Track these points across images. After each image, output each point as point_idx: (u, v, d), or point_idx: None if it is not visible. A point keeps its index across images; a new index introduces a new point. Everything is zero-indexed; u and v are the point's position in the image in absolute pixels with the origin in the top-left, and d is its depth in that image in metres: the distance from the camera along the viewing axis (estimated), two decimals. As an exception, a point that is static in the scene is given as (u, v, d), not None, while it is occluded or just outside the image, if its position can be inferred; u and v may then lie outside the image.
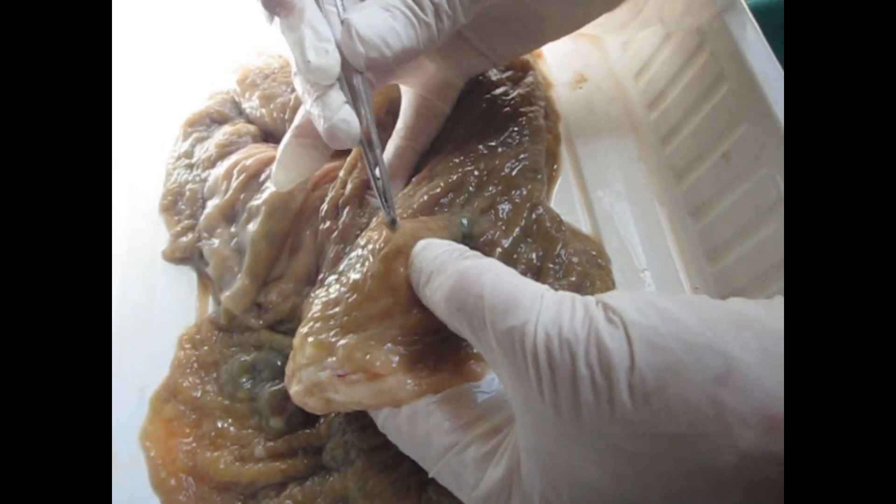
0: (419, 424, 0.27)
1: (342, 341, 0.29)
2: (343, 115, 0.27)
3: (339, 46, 0.27)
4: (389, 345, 0.28)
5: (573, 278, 0.35)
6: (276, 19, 0.28)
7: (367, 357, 0.27)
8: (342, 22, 0.27)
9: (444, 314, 0.26)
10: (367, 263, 0.31)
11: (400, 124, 0.39)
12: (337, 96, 0.27)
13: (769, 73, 0.37)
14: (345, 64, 0.28)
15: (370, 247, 0.31)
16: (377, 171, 0.30)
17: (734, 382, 0.18)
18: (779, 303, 0.21)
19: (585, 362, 0.20)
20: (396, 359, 0.28)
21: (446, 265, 0.26)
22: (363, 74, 0.28)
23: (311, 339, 0.30)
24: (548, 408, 0.21)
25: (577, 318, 0.21)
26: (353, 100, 0.28)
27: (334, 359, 0.28)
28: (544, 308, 0.22)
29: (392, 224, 0.31)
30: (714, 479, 0.18)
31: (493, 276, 0.24)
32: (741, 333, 0.19)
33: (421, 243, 0.29)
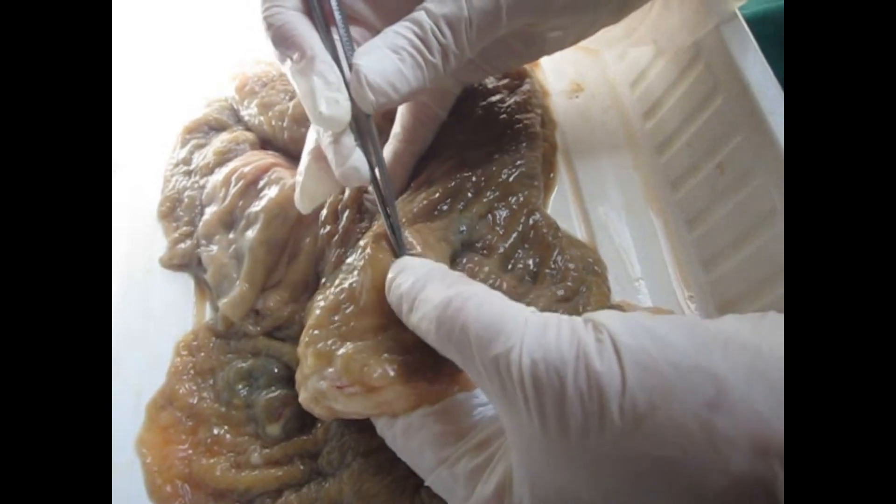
0: (413, 437, 0.28)
1: (340, 351, 0.29)
2: (353, 162, 0.28)
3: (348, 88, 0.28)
4: (386, 355, 0.28)
5: (570, 283, 0.35)
6: (288, 61, 0.28)
7: (365, 369, 0.28)
8: (350, 66, 0.27)
9: (434, 344, 0.26)
10: (361, 272, 0.31)
11: (397, 128, 0.39)
12: (348, 142, 0.28)
13: (764, 85, 0.37)
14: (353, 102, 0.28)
15: (366, 251, 0.32)
16: (388, 209, 0.31)
17: (724, 406, 0.18)
18: (770, 319, 0.21)
19: (574, 385, 0.20)
20: (393, 370, 0.28)
21: (429, 294, 0.26)
22: (371, 116, 0.29)
23: (311, 348, 0.30)
24: (537, 430, 0.21)
25: (563, 339, 0.21)
26: (362, 135, 0.29)
27: (332, 370, 0.28)
28: (528, 332, 0.22)
29: (400, 249, 0.31)
30: (703, 501, 0.19)
31: (475, 303, 0.24)
32: (731, 355, 0.19)
33: (395, 267, 0.29)
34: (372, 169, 0.29)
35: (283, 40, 0.28)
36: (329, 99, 0.27)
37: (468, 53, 0.30)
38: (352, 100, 0.28)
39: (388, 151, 0.39)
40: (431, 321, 0.25)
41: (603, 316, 0.22)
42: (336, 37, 0.29)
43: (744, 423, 0.18)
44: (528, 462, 0.22)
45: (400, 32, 0.28)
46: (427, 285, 0.26)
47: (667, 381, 0.19)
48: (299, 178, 0.32)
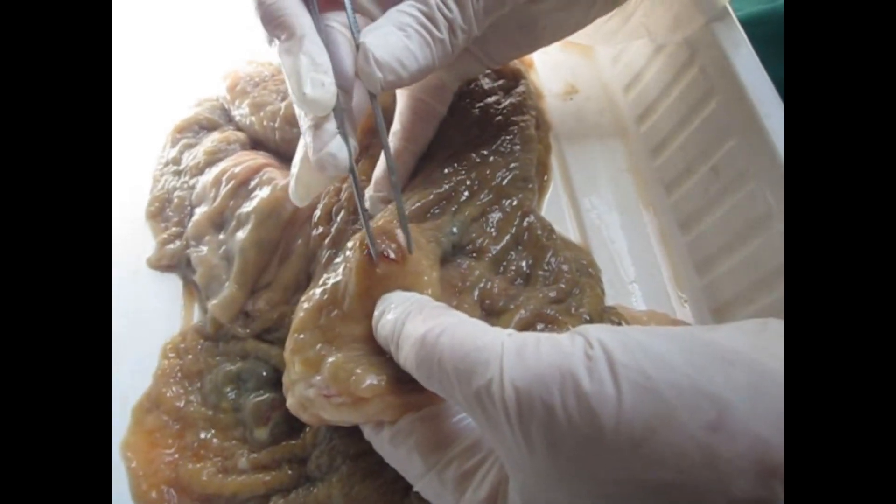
0: (401, 443, 0.27)
1: (329, 359, 0.28)
2: (331, 149, 0.27)
3: (336, 75, 0.27)
4: (375, 365, 0.28)
5: (562, 285, 0.35)
6: (276, 42, 0.28)
7: (353, 379, 0.27)
8: (357, 46, 0.27)
9: (421, 383, 0.25)
10: (345, 276, 0.31)
11: (396, 126, 0.39)
12: (329, 127, 0.27)
13: (759, 88, 0.37)
14: (346, 86, 0.28)
15: (349, 254, 0.31)
16: (367, 201, 0.30)
17: (726, 429, 0.17)
18: (771, 330, 0.20)
19: (563, 411, 0.19)
20: (380, 380, 0.27)
21: (407, 331, 0.25)
22: (377, 97, 0.28)
23: (298, 355, 0.29)
24: (525, 456, 0.20)
25: (543, 361, 0.20)
26: (353, 123, 0.28)
27: (320, 378, 0.28)
28: (506, 359, 0.21)
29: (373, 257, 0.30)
30: None
31: (448, 336, 0.23)
32: (732, 374, 0.18)
33: (379, 304, 0.28)
34: (353, 159, 0.28)
35: (272, 19, 0.27)
36: (315, 80, 0.26)
37: (476, 29, 0.29)
38: (340, 87, 0.27)
39: None
40: (412, 361, 0.25)
41: (595, 330, 0.21)
42: (334, 24, 0.28)
43: (746, 446, 0.17)
44: (521, 479, 0.22)
45: (405, 10, 0.27)
46: (406, 323, 0.26)
47: (666, 404, 0.18)
48: (294, 168, 0.31)
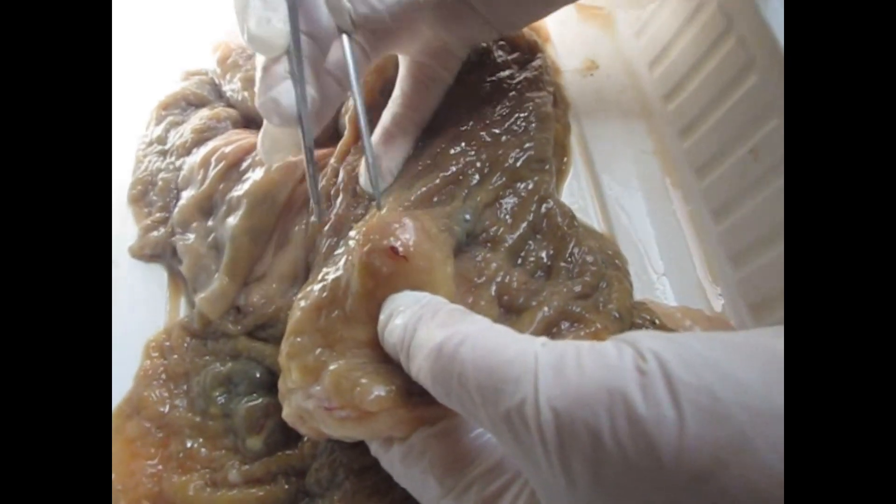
0: (414, 462, 0.25)
1: (330, 366, 0.26)
2: (274, 93, 0.25)
3: (291, 11, 0.25)
4: (380, 371, 0.25)
5: (587, 278, 0.33)
6: None
7: (357, 390, 0.24)
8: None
9: (438, 398, 0.23)
10: (347, 272, 0.28)
11: (396, 92, 0.37)
12: (277, 71, 0.26)
13: (806, 61, 0.34)
14: (316, 33, 0.26)
15: (352, 244, 0.29)
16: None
17: None
18: None
19: (612, 439, 0.17)
20: (388, 391, 0.25)
21: (420, 339, 0.23)
22: (351, 36, 0.26)
23: (295, 361, 0.27)
24: (564, 490, 0.18)
25: (586, 379, 0.18)
26: (318, 73, 0.27)
27: (320, 388, 0.26)
28: (542, 375, 0.19)
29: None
30: None
31: (470, 347, 0.21)
32: None
33: (385, 307, 0.26)
34: (308, 109, 0.26)
35: None
36: (261, 18, 0.25)
37: None
38: (309, 35, 0.25)
39: (386, 115, 0.36)
40: (426, 375, 0.22)
41: (646, 339, 0.18)
42: None
43: None
44: None
45: None
46: (418, 329, 0.24)
47: (739, 431, 0.16)
48: (265, 124, 0.30)
